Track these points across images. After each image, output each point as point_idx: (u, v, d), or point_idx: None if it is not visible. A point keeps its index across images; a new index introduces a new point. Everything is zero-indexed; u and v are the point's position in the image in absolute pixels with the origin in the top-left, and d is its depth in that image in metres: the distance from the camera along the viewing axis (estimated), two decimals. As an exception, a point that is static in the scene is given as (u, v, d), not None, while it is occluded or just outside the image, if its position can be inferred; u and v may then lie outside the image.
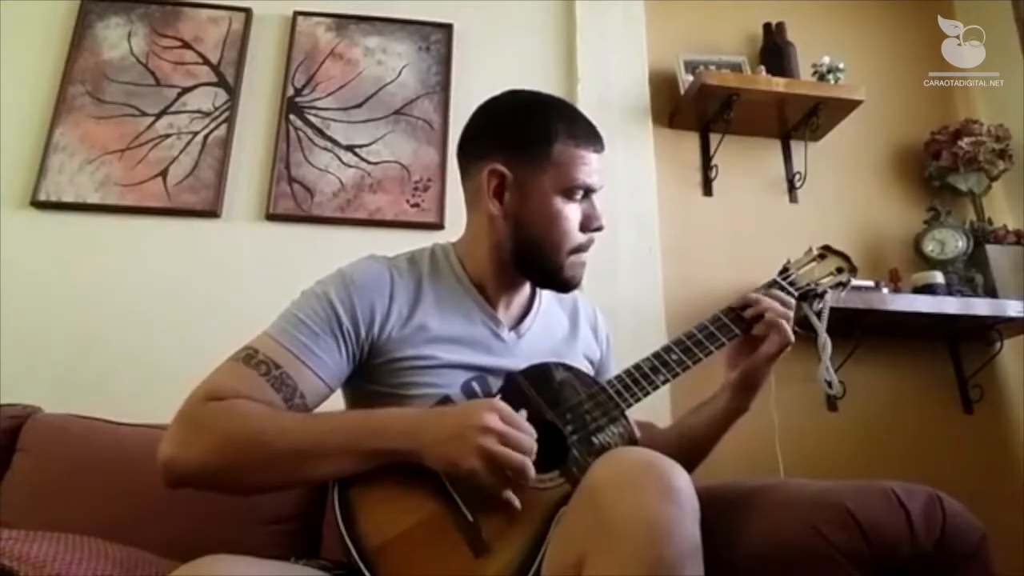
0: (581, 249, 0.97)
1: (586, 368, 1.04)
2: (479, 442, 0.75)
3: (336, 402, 0.97)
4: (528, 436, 0.78)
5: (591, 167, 0.96)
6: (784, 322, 0.97)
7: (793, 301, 1.01)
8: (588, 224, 0.97)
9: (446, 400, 0.90)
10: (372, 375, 0.93)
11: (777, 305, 0.98)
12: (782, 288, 1.04)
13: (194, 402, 0.83)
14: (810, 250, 1.12)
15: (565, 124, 0.96)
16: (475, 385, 0.93)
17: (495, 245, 0.98)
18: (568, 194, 0.95)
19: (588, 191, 0.97)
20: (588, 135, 0.97)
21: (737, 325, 0.99)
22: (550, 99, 1.00)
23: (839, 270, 1.09)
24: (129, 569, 0.90)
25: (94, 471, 1.29)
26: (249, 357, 0.86)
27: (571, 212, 0.95)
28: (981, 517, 0.83)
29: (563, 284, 0.99)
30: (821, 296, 1.07)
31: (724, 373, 1.04)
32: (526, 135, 0.95)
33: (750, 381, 1.00)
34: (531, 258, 0.97)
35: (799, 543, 0.81)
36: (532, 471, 0.76)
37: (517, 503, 0.78)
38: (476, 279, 1.00)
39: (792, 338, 0.97)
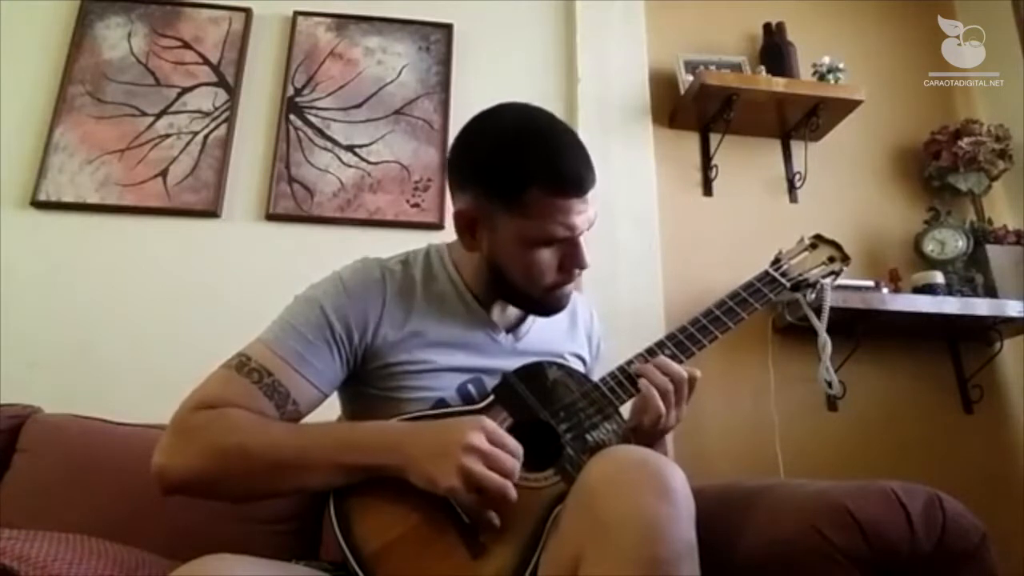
0: (561, 285, 0.93)
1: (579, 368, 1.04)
2: (461, 461, 0.74)
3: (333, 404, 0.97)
4: (513, 458, 0.77)
5: (569, 216, 0.86)
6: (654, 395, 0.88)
7: (683, 373, 0.91)
8: (566, 266, 0.91)
9: (441, 403, 0.90)
10: (367, 379, 0.92)
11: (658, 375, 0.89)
12: (773, 279, 1.03)
13: (185, 411, 0.83)
14: (802, 240, 1.11)
15: (544, 166, 0.85)
16: (471, 387, 0.92)
17: (477, 267, 0.96)
18: (539, 244, 0.88)
19: (566, 239, 0.88)
20: (571, 179, 0.85)
21: (730, 318, 0.98)
22: (535, 131, 0.88)
23: (831, 259, 1.08)
24: (129, 569, 0.89)
25: (94, 471, 1.29)
26: (242, 364, 0.86)
27: (545, 258, 0.89)
28: (981, 517, 0.83)
29: (545, 312, 0.98)
30: (813, 286, 1.06)
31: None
32: (499, 175, 0.87)
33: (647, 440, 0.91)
34: (507, 289, 0.95)
35: (799, 543, 0.82)
36: (513, 494, 0.75)
37: (497, 522, 0.77)
38: (470, 284, 0.98)
39: (662, 411, 0.87)
